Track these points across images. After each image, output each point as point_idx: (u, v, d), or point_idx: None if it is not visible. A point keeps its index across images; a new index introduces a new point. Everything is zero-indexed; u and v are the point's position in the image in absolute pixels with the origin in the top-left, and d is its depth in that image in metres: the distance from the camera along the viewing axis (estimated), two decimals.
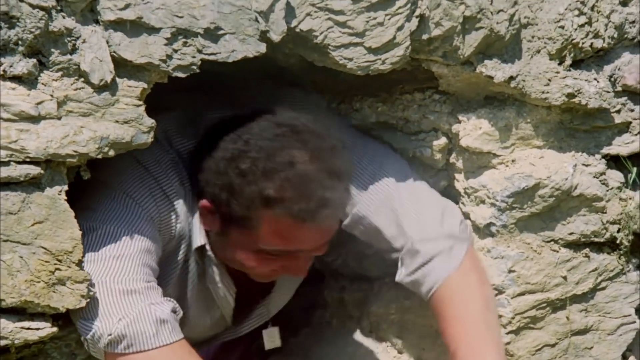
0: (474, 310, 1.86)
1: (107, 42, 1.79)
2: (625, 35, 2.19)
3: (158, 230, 1.85)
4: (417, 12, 2.01)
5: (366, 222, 2.00)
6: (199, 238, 1.93)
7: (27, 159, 1.75)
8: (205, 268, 1.94)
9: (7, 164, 1.75)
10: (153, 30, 1.80)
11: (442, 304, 1.87)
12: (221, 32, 1.84)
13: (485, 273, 1.97)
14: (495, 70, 2.08)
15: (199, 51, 1.83)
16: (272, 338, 2.11)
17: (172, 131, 1.98)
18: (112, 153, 1.81)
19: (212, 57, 1.84)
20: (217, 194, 1.85)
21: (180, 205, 1.88)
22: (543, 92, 2.13)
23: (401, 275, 1.93)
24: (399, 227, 2.00)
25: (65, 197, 1.82)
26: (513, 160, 2.19)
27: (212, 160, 1.86)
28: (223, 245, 1.92)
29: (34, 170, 1.75)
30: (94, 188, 1.85)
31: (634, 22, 2.20)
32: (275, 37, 1.88)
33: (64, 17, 1.74)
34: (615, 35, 2.18)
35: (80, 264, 1.79)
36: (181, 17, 1.79)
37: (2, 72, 1.75)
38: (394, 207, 2.02)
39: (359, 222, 2.01)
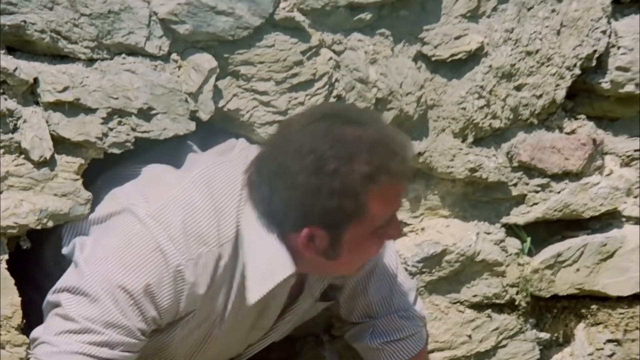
0: None
1: (47, 122, 1.89)
2: (520, 117, 2.28)
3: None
4: (335, 93, 2.13)
5: (371, 279, 2.05)
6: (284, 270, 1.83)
7: None
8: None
9: None
10: (90, 110, 1.90)
11: None
12: (154, 112, 1.95)
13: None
14: None
15: (133, 129, 1.93)
16: None
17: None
18: (50, 224, 1.87)
19: (145, 135, 1.93)
20: (321, 210, 1.77)
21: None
22: (448, 167, 2.22)
23: (374, 342, 2.00)
24: (386, 297, 2.05)
25: (6, 266, 1.86)
26: (422, 229, 2.26)
27: (292, 190, 1.77)
28: (322, 263, 1.87)
29: None
30: None
31: (527, 105, 2.29)
32: (204, 116, 1.98)
33: (6, 99, 1.84)
34: (511, 117, 2.28)
35: (19, 328, 1.81)
36: (116, 98, 1.91)
37: None
38: (387, 275, 2.08)
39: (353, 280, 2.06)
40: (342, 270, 1.89)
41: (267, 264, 1.78)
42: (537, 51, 2.27)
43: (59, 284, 1.71)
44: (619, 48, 2.32)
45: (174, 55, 1.96)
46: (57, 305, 1.67)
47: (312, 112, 1.85)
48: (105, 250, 1.73)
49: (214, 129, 2.05)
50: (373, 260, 2.00)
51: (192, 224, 1.76)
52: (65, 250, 1.84)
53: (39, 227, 1.88)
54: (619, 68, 2.32)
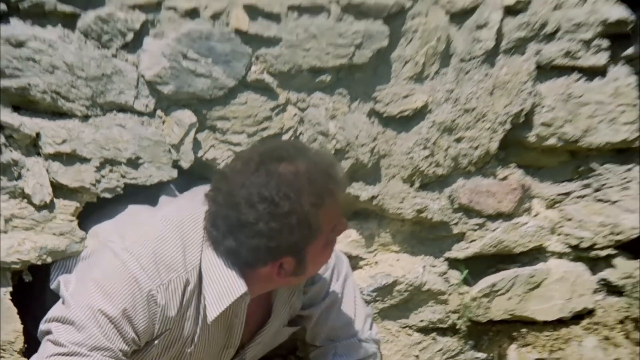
0: None
1: (47, 170, 2.01)
2: (460, 165, 2.37)
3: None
4: None
5: (334, 307, 2.09)
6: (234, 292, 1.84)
7: None
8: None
9: None
10: (85, 160, 2.03)
11: None
12: (141, 161, 2.06)
13: None
14: (361, 191, 2.28)
15: (123, 176, 2.05)
16: None
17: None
18: (49, 260, 1.98)
19: (133, 181, 2.06)
20: (286, 244, 1.79)
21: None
22: (398, 209, 2.33)
23: None
24: (347, 323, 2.10)
25: (10, 297, 1.94)
26: (376, 262, 2.37)
27: (257, 238, 1.79)
28: (291, 279, 1.90)
29: None
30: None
31: (465, 155, 2.37)
32: (185, 164, 2.07)
33: (11, 151, 1.97)
34: (452, 165, 2.37)
35: (20, 352, 1.90)
36: (108, 149, 2.03)
37: None
38: (348, 305, 2.12)
39: (323, 305, 2.07)
40: (309, 276, 1.94)
41: (223, 286, 1.82)
42: (473, 109, 2.36)
43: (50, 314, 1.76)
44: (542, 107, 2.43)
45: (158, 112, 2.08)
46: (48, 332, 1.72)
47: (243, 160, 1.85)
48: (87, 284, 1.77)
49: (194, 176, 2.10)
50: (338, 292, 2.08)
51: (162, 254, 1.81)
52: (52, 285, 1.89)
53: (39, 263, 1.98)
54: (543, 124, 2.42)
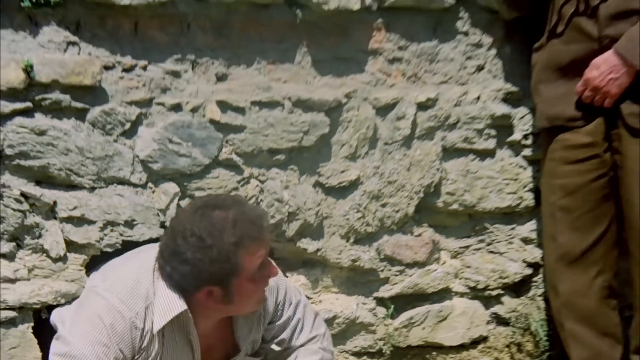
0: None
1: (62, 231, 2.13)
2: (385, 225, 2.46)
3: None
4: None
5: (295, 318, 2.08)
6: (170, 311, 1.84)
7: (7, 307, 2.05)
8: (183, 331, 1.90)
9: None
10: (91, 222, 2.15)
11: None
12: (135, 222, 2.18)
13: None
14: (308, 245, 2.37)
15: (121, 235, 2.18)
16: None
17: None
18: (63, 301, 2.10)
19: (129, 238, 2.17)
20: (209, 274, 1.80)
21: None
22: (337, 259, 2.41)
23: None
24: (309, 339, 2.09)
25: (32, 331, 2.06)
26: (320, 301, 2.43)
27: (185, 265, 1.80)
28: (226, 308, 1.88)
29: (11, 314, 2.08)
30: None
31: (389, 217, 2.46)
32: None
33: (34, 216, 2.11)
34: (379, 225, 2.46)
35: None
36: (109, 213, 2.16)
37: None
38: (310, 318, 2.10)
39: (284, 332, 2.07)
40: (244, 309, 1.92)
41: (166, 304, 1.85)
42: (395, 181, 2.44)
43: (52, 349, 1.82)
44: (447, 180, 2.52)
45: (149, 184, 2.20)
46: None
47: (191, 205, 1.90)
48: (79, 321, 1.84)
49: None
50: (293, 315, 2.07)
51: (135, 288, 1.85)
52: (51, 319, 1.98)
53: (54, 304, 2.09)
54: (448, 193, 2.53)
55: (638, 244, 2.30)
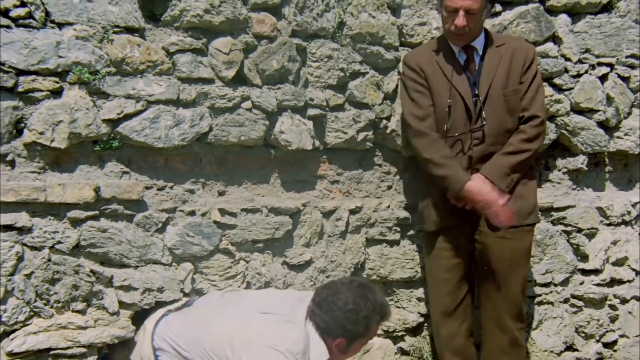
0: None
1: (116, 294, 2.53)
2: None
3: None
4: (246, 280, 2.67)
5: None
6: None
7: (79, 345, 2.45)
8: None
9: (70, 347, 2.43)
10: (135, 289, 2.51)
11: None
12: (164, 289, 2.54)
13: None
14: None
15: (154, 297, 2.55)
16: None
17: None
18: (116, 341, 2.44)
19: (160, 299, 2.52)
20: (352, 333, 2.10)
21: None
22: None
23: None
24: None
25: None
26: None
27: (340, 322, 2.08)
28: (338, 355, 2.16)
29: (83, 350, 2.45)
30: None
31: (372, 268, 2.75)
32: (187, 290, 2.55)
33: (98, 285, 2.48)
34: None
35: None
36: (147, 284, 2.53)
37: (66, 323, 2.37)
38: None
39: None
40: (341, 358, 2.23)
41: (317, 353, 2.12)
42: (335, 261, 2.85)
43: None
44: (369, 259, 2.92)
45: (174, 264, 2.59)
46: None
47: (349, 281, 2.21)
48: None
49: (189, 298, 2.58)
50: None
51: (306, 350, 2.11)
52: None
53: (112, 342, 2.49)
54: (369, 268, 2.91)
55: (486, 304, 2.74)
